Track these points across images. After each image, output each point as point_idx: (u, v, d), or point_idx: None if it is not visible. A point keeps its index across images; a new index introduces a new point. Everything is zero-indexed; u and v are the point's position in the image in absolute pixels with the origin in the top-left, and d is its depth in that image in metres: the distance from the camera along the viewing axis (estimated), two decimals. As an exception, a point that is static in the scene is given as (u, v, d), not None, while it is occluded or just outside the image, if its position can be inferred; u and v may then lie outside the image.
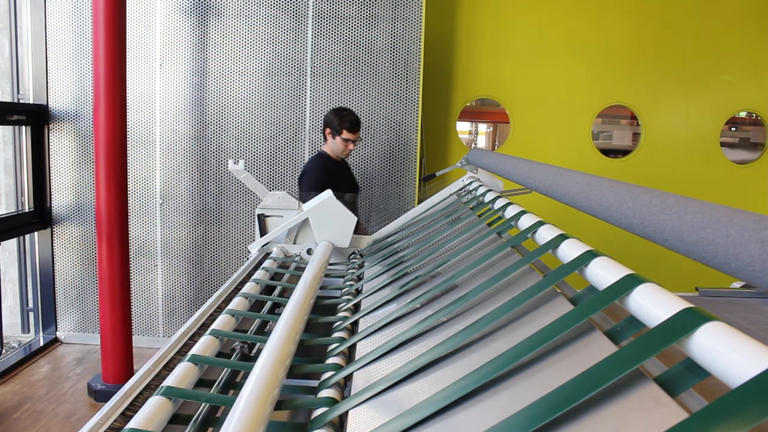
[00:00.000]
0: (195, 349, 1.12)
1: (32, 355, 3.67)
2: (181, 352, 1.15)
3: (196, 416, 0.97)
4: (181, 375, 1.00)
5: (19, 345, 3.88)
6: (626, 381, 0.60)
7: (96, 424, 0.87)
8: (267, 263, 1.90)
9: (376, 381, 0.91)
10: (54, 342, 3.88)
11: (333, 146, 3.09)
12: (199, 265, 3.89)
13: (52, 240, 3.83)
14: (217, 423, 0.99)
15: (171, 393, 0.93)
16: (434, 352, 0.90)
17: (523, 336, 0.78)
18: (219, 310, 1.39)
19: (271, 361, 0.95)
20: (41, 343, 3.80)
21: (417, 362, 0.90)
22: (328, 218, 2.11)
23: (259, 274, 1.72)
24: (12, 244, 3.92)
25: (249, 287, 1.56)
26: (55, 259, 3.85)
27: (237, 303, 1.41)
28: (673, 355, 0.61)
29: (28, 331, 4.04)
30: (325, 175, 3.04)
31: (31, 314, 3.99)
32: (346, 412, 0.87)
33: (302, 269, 1.97)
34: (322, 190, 2.19)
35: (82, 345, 3.89)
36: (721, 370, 0.52)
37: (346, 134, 3.03)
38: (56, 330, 3.91)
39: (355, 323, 1.31)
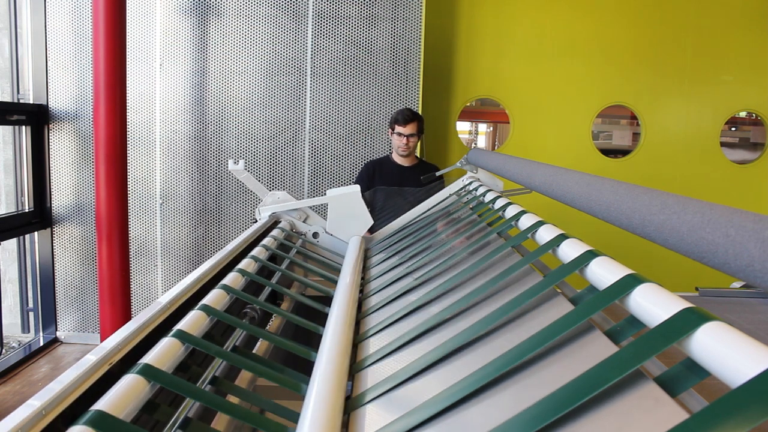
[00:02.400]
0: (206, 300, 1.12)
1: (32, 355, 3.67)
2: (188, 305, 1.14)
3: (205, 376, 0.98)
4: (193, 321, 1.01)
5: (19, 345, 3.88)
6: (626, 381, 0.61)
7: (112, 349, 0.87)
8: (275, 232, 1.91)
9: (377, 381, 0.91)
10: (54, 342, 3.88)
11: (393, 145, 3.17)
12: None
13: (52, 240, 3.83)
14: (223, 386, 1.00)
15: (183, 337, 0.94)
16: (435, 352, 0.90)
17: (523, 336, 0.78)
18: (228, 268, 1.40)
19: (332, 368, 0.94)
20: (41, 343, 3.80)
21: (418, 363, 0.90)
22: (347, 212, 2.12)
23: (267, 241, 1.73)
24: (12, 244, 3.92)
25: (258, 252, 1.57)
26: (55, 259, 3.85)
27: (246, 264, 1.43)
28: (673, 355, 0.62)
29: (28, 331, 4.04)
30: (369, 176, 3.12)
31: (31, 314, 3.99)
32: (350, 412, 0.87)
33: (305, 249, 2.00)
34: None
35: (82, 345, 3.89)
36: (721, 370, 0.52)
37: (397, 128, 3.07)
38: (56, 330, 3.91)
39: (357, 323, 1.31)
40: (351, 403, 0.89)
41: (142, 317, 1.02)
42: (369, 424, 0.81)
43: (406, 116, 3.04)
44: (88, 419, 0.68)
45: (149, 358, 0.85)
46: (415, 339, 1.04)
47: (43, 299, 3.87)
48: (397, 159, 3.18)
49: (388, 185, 2.92)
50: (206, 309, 1.07)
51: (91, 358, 0.84)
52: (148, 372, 0.80)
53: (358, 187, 2.18)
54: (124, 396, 0.75)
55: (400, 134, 3.06)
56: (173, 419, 0.87)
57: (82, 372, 0.80)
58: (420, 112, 3.76)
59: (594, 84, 4.40)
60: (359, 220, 2.13)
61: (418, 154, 3.79)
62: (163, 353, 0.88)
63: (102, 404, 0.72)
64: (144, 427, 0.73)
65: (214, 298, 1.15)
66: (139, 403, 0.77)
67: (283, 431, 0.83)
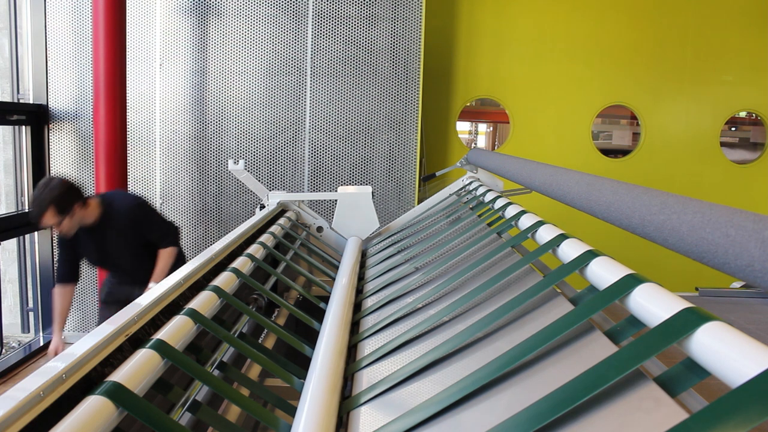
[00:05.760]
0: (217, 282, 1.13)
1: (32, 355, 3.66)
2: (196, 287, 1.14)
3: (213, 359, 0.98)
4: (204, 301, 1.02)
5: (19, 345, 3.88)
6: (626, 381, 0.60)
7: (127, 322, 0.88)
8: (282, 221, 1.94)
9: (377, 381, 0.91)
10: (54, 342, 3.88)
11: None
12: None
13: (52, 240, 3.83)
14: (230, 372, 1.00)
15: (195, 317, 0.94)
16: (436, 352, 0.90)
17: (523, 336, 0.78)
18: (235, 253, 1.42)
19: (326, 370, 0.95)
20: (41, 343, 3.80)
21: (418, 362, 0.90)
22: (355, 211, 2.15)
23: (274, 229, 1.76)
24: (12, 244, 3.92)
25: (265, 239, 1.60)
26: (55, 260, 3.85)
27: (254, 249, 1.44)
28: (673, 355, 0.62)
29: (28, 331, 4.03)
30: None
31: (31, 314, 3.99)
32: (347, 412, 0.87)
33: (309, 242, 2.03)
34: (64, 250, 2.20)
35: (82, 345, 3.88)
36: (721, 370, 0.52)
37: None
38: (56, 330, 3.91)
39: (356, 323, 1.31)
40: (348, 403, 0.89)
41: (155, 293, 1.02)
42: (367, 424, 0.81)
43: (33, 215, 2.13)
44: (104, 390, 0.69)
45: (162, 334, 0.85)
46: (414, 340, 1.03)
47: (43, 299, 3.87)
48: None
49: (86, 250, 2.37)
50: (217, 290, 1.08)
51: (108, 328, 0.84)
52: (161, 348, 0.81)
53: (370, 188, 2.20)
54: (138, 369, 0.76)
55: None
56: (182, 401, 0.88)
57: (100, 341, 0.80)
58: (420, 112, 3.76)
59: (594, 84, 4.40)
60: (366, 221, 2.14)
61: (417, 154, 3.79)
62: (175, 330, 0.88)
63: (118, 376, 0.72)
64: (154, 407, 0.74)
65: (224, 280, 1.15)
66: (152, 378, 0.78)
67: (276, 422, 0.84)
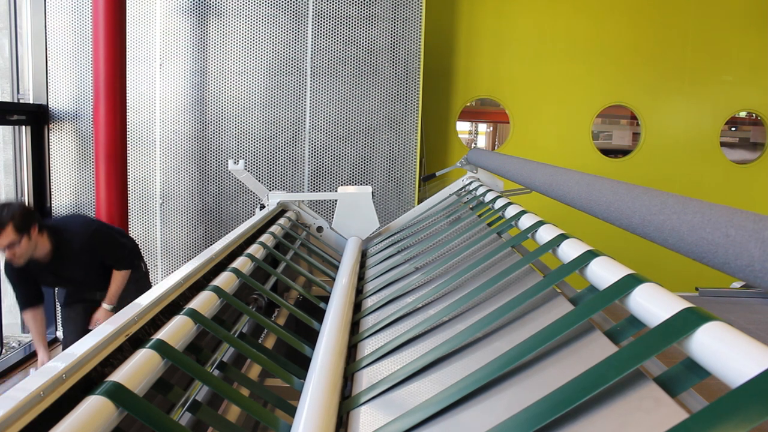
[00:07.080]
0: (217, 281, 1.13)
1: (32, 355, 3.66)
2: (195, 287, 1.14)
3: (213, 359, 0.99)
4: (204, 301, 1.02)
5: (19, 345, 3.88)
6: (626, 381, 0.60)
7: (127, 322, 0.88)
8: (282, 221, 1.95)
9: (377, 381, 0.91)
10: (54, 342, 3.88)
11: None
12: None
13: (52, 240, 3.83)
14: (230, 372, 1.00)
15: (195, 317, 0.94)
16: (435, 352, 0.90)
17: (523, 336, 0.78)
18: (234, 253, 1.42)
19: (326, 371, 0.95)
20: (41, 343, 3.80)
21: (418, 362, 0.90)
22: (355, 211, 2.15)
23: (274, 229, 1.76)
24: (12, 244, 3.91)
25: (265, 239, 1.60)
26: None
27: (254, 249, 1.45)
28: (673, 355, 0.62)
29: (28, 331, 4.03)
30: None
31: (31, 314, 3.98)
32: (347, 412, 0.87)
33: (309, 242, 2.04)
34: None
35: (82, 345, 3.87)
36: (721, 370, 0.52)
37: None
38: (56, 330, 3.91)
39: (356, 323, 1.31)
40: (348, 403, 0.89)
41: (155, 294, 1.01)
42: (367, 424, 0.81)
43: None
44: (104, 390, 0.69)
45: (162, 334, 0.85)
46: (414, 339, 1.03)
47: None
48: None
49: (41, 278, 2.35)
50: (217, 290, 1.08)
51: (108, 328, 0.84)
52: (161, 348, 0.81)
53: (370, 188, 2.20)
54: (138, 370, 0.77)
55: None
56: (182, 401, 0.88)
57: (100, 341, 0.80)
58: (420, 112, 3.76)
59: (594, 84, 4.40)
60: (366, 221, 2.15)
61: (417, 154, 3.78)
62: (176, 330, 0.89)
63: (118, 376, 0.72)
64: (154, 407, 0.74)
65: (224, 280, 1.15)
66: (152, 378, 0.78)
67: (276, 423, 0.84)
